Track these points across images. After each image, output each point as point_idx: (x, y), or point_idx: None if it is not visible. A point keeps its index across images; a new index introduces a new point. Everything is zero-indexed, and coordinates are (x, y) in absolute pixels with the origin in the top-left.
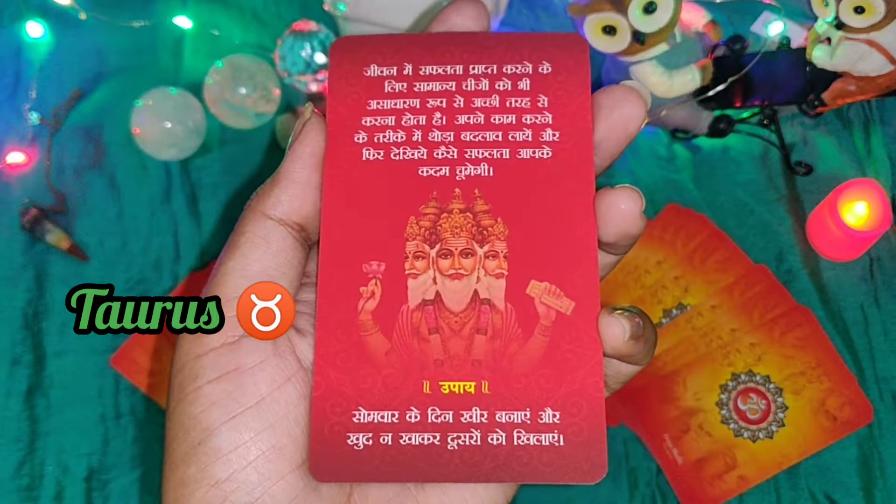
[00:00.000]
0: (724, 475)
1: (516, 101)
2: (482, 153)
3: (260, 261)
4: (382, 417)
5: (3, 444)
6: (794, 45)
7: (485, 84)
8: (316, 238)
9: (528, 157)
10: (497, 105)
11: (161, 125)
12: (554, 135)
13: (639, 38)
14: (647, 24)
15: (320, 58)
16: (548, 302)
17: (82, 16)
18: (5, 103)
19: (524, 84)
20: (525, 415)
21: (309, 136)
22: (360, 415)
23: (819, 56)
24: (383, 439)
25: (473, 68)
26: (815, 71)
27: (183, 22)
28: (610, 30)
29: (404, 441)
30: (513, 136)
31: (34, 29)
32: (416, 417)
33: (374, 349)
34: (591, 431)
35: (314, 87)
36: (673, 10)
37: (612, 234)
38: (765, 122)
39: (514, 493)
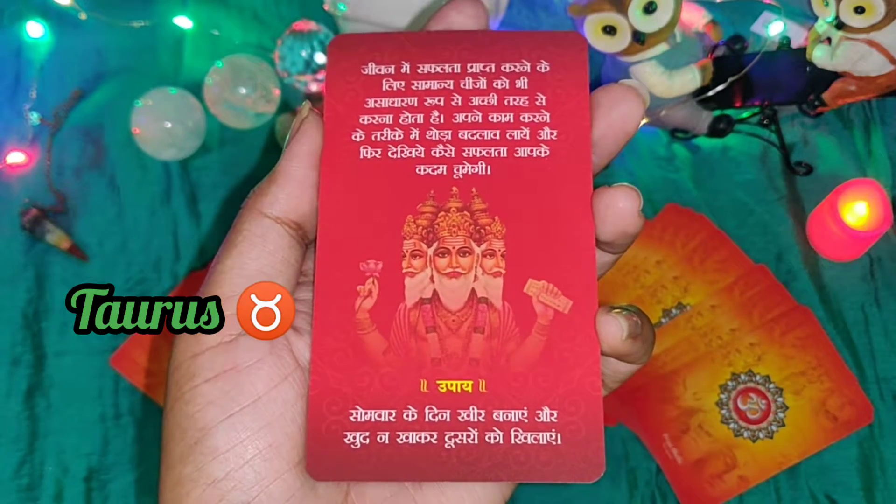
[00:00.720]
0: (724, 475)
1: (514, 100)
2: (480, 152)
3: (257, 259)
4: (380, 416)
5: (3, 444)
6: (794, 45)
7: (483, 82)
8: (313, 236)
9: (526, 155)
10: (495, 103)
11: (161, 125)
12: (552, 133)
13: (639, 38)
14: (647, 24)
15: (320, 58)
16: (545, 300)
17: (82, 16)
18: (6, 103)
19: (522, 82)
20: (522, 413)
21: (306, 134)
22: (357, 413)
23: (819, 56)
24: (380, 438)
25: (471, 67)
26: (816, 71)
27: (183, 22)
28: (610, 30)
29: (401, 440)
30: (510, 135)
31: (34, 29)
32: (413, 416)
33: (372, 348)
34: (589, 430)
35: (314, 87)
36: (673, 10)
37: (610, 233)
38: (765, 122)
39: (511, 492)
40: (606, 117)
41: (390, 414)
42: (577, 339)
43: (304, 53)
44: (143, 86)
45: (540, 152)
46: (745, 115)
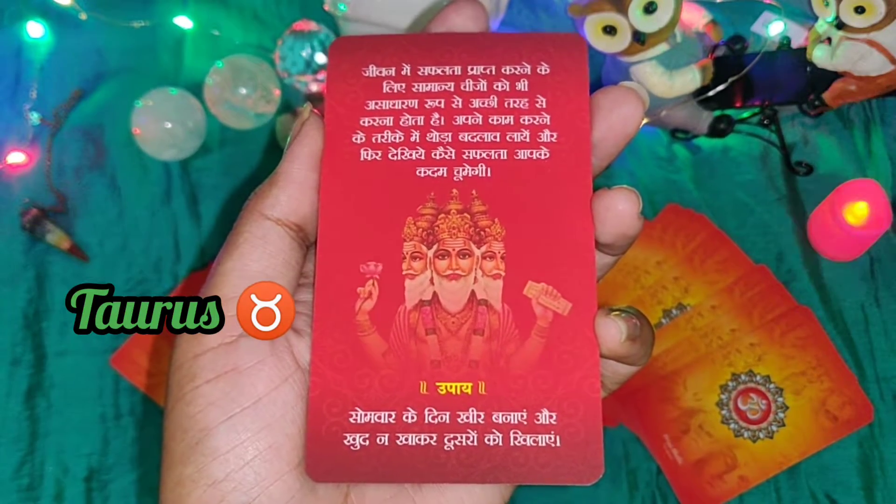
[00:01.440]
0: (725, 475)
1: (514, 102)
2: (480, 154)
3: (258, 261)
4: (379, 418)
5: (3, 444)
6: (794, 45)
7: (483, 85)
8: (314, 238)
9: (526, 157)
10: (495, 106)
11: (161, 126)
12: (552, 136)
13: (639, 38)
14: (648, 24)
15: (320, 58)
16: (545, 303)
17: (82, 16)
18: (6, 103)
19: (522, 85)
20: (522, 416)
21: (307, 136)
22: (356, 415)
23: (819, 56)
24: (380, 440)
25: (472, 69)
26: (816, 71)
27: (183, 22)
28: (610, 30)
29: (401, 441)
30: (511, 137)
31: (34, 29)
32: (412, 418)
33: (372, 350)
34: (588, 432)
35: (314, 88)
36: (673, 10)
37: (610, 235)
38: (765, 122)
39: (510, 493)
40: (606, 119)
41: (390, 415)
42: (577, 342)
43: (304, 54)
44: (143, 86)
45: (540, 154)
46: (745, 115)
